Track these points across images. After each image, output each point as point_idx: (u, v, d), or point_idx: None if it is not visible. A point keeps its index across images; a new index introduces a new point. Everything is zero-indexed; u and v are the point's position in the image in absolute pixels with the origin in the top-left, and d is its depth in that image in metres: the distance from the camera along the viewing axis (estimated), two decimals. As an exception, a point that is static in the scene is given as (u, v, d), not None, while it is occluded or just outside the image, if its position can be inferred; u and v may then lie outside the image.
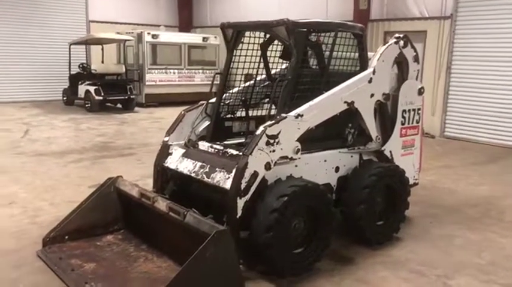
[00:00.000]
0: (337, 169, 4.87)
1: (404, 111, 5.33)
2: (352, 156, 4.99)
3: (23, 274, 4.12)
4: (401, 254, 4.73)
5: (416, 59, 5.38)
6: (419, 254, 4.73)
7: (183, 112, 5.06)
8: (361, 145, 5.07)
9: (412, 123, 5.46)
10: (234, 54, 5.10)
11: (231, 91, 5.23)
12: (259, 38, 5.10)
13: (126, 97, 15.06)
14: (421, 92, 5.47)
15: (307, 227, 4.25)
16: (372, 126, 5.03)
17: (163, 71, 16.35)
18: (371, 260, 4.56)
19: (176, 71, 16.66)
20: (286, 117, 4.19)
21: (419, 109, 5.51)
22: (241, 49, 5.10)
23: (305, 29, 4.55)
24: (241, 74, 5.22)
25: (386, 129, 5.23)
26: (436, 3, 11.72)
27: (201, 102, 5.16)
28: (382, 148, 5.18)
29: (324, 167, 4.76)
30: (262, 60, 5.24)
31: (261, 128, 4.10)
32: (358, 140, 5.07)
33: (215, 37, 16.64)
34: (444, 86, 11.74)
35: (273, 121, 4.15)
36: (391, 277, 4.25)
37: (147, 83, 16.00)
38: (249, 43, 5.09)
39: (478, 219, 5.88)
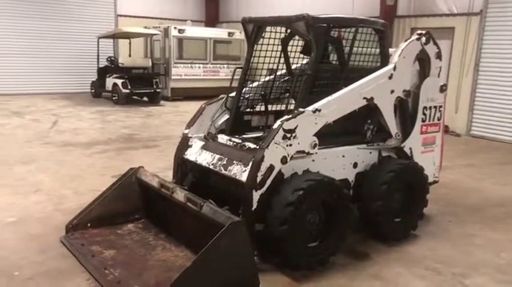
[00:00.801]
0: (355, 165, 4.87)
1: (425, 108, 5.29)
2: (370, 152, 4.98)
3: (48, 258, 4.29)
4: (417, 251, 4.71)
5: (438, 55, 5.31)
6: (436, 252, 4.70)
7: (203, 105, 5.15)
8: (380, 141, 5.06)
9: (433, 120, 5.41)
10: (255, 49, 5.14)
11: (251, 85, 5.28)
12: (281, 33, 5.14)
13: (152, 91, 15.30)
14: (443, 89, 5.41)
15: (322, 222, 4.28)
16: (391, 122, 5.00)
17: (189, 65, 16.52)
18: (387, 256, 4.56)
19: (201, 65, 16.81)
20: (303, 111, 4.22)
21: (440, 106, 5.46)
22: (262, 44, 5.15)
23: (325, 24, 4.56)
24: (262, 69, 5.26)
25: (407, 126, 5.19)
26: (465, -1, 11.49)
27: (221, 96, 5.23)
28: (402, 145, 5.15)
29: (342, 163, 4.77)
30: (282, 55, 5.27)
31: (278, 122, 4.14)
32: (377, 137, 5.05)
33: (240, 32, 16.70)
34: (472, 84, 11.51)
35: (291, 115, 4.19)
36: (406, 273, 4.25)
37: (172, 77, 16.20)
38: (269, 38, 5.12)
39: (501, 219, 5.78)
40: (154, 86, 15.28)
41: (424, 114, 5.31)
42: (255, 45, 5.13)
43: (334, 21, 4.79)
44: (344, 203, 4.32)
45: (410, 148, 5.23)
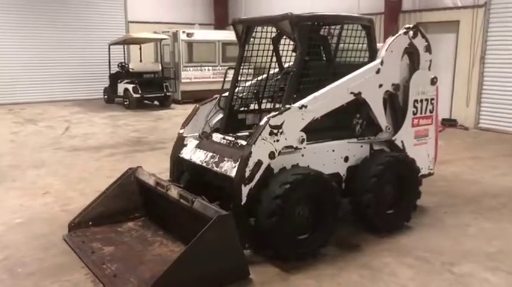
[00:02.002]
0: (346, 159, 4.97)
1: (416, 101, 5.36)
2: (362, 146, 5.08)
3: (50, 255, 4.51)
4: (409, 241, 4.80)
5: (427, 49, 5.37)
6: (427, 242, 4.78)
7: (197, 106, 5.32)
8: (371, 135, 5.15)
9: (425, 113, 5.48)
10: (246, 49, 5.29)
11: (243, 85, 5.43)
12: (272, 32, 5.28)
13: (163, 94, 15.56)
14: (433, 82, 5.47)
15: (311, 214, 4.40)
16: (381, 116, 5.10)
17: (198, 68, 16.76)
18: (377, 247, 4.65)
19: (211, 68, 17.02)
20: (290, 108, 4.36)
21: (432, 99, 5.52)
22: (253, 43, 5.30)
23: (309, 22, 4.69)
24: (254, 68, 5.41)
25: (397, 120, 5.28)
26: (468, -8, 11.45)
27: (215, 96, 5.40)
28: (393, 138, 5.24)
29: (333, 157, 4.88)
30: (274, 54, 5.41)
31: (265, 119, 4.29)
32: (368, 130, 5.15)
33: (248, 33, 16.83)
34: (478, 77, 11.46)
35: (277, 112, 4.33)
36: (395, 263, 4.34)
37: (182, 81, 16.45)
38: (260, 38, 5.27)
39: (496, 209, 5.82)
40: (165, 90, 15.55)
41: (415, 107, 5.38)
42: (246, 45, 5.29)
43: (318, 19, 4.92)
44: (332, 196, 4.44)
45: (402, 141, 5.31)
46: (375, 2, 13.64)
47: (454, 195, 6.33)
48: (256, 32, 5.27)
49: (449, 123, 11.75)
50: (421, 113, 5.43)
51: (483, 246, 4.71)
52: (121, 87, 15.65)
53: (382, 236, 4.88)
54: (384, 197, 4.88)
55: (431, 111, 5.54)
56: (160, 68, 16.13)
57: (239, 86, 5.42)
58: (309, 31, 4.68)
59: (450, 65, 12.06)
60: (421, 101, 5.41)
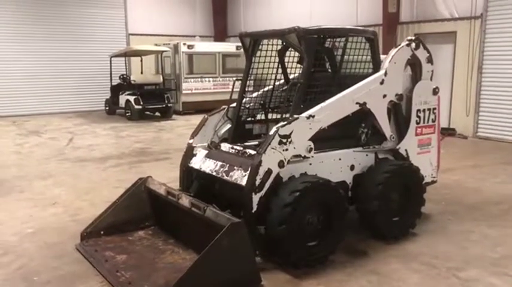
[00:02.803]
0: (352, 167, 5.10)
1: (419, 110, 5.50)
2: (367, 155, 5.21)
3: (63, 263, 4.59)
4: (415, 248, 4.90)
5: (429, 60, 5.53)
6: (433, 248, 4.89)
7: (206, 116, 5.45)
8: (376, 144, 5.28)
9: (428, 122, 5.61)
10: (253, 61, 5.44)
11: (251, 96, 5.56)
12: (277, 45, 5.43)
13: (164, 106, 15.71)
14: (435, 91, 5.61)
15: (320, 222, 4.50)
16: (385, 125, 5.23)
17: (199, 79, 16.94)
18: (384, 254, 4.76)
19: (211, 79, 17.20)
20: (298, 118, 4.48)
21: (434, 109, 5.66)
22: (259, 56, 5.45)
23: (315, 35, 4.84)
24: (261, 79, 5.55)
25: (401, 129, 5.41)
26: (465, 3, 11.67)
27: (223, 106, 5.53)
28: (397, 147, 5.37)
29: (339, 166, 5.00)
30: (280, 66, 5.56)
31: (274, 128, 4.41)
32: (373, 139, 5.28)
33: (248, 45, 17.04)
34: (476, 86, 11.65)
35: (286, 122, 4.45)
36: (402, 268, 4.44)
37: (183, 92, 16.62)
38: (266, 50, 5.42)
39: (499, 216, 5.94)
40: (166, 101, 15.70)
41: (418, 116, 5.52)
42: (253, 58, 5.43)
43: (324, 32, 5.07)
44: (340, 204, 4.55)
45: (406, 150, 5.44)
46: (374, 13, 13.88)
47: (456, 202, 6.45)
48: (262, 44, 5.42)
49: (448, 132, 11.88)
50: (424, 123, 5.57)
51: (487, 252, 4.82)
52: (122, 98, 15.79)
53: (389, 242, 4.98)
54: (389, 204, 4.99)
55: (433, 121, 5.68)
56: (161, 79, 16.31)
57: (246, 97, 5.55)
58: (316, 44, 4.83)
59: (448, 75, 12.26)
60: (424, 110, 5.55)
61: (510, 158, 9.41)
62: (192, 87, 16.79)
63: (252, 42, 5.35)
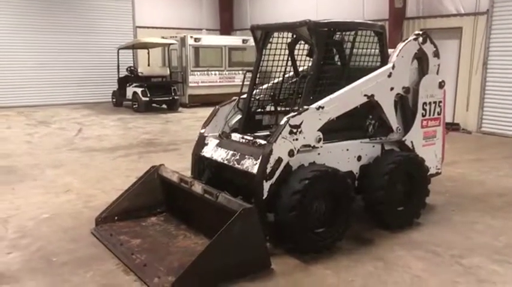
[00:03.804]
0: (359, 158, 5.24)
1: (425, 103, 5.63)
2: (374, 146, 5.35)
3: (79, 246, 4.77)
4: (419, 236, 5.05)
5: (436, 54, 5.65)
6: (437, 237, 5.03)
7: (217, 107, 5.59)
8: (383, 136, 5.42)
9: (433, 115, 5.74)
10: (264, 53, 5.58)
11: (261, 87, 5.70)
12: (287, 38, 5.56)
13: (171, 98, 15.86)
14: (441, 85, 5.74)
15: (328, 209, 4.65)
16: (392, 117, 5.36)
17: (205, 72, 17.06)
18: (390, 242, 4.91)
19: (217, 72, 17.33)
20: (308, 109, 4.62)
21: (440, 102, 5.79)
22: (270, 48, 5.58)
23: (326, 29, 4.98)
24: (271, 72, 5.68)
25: (408, 121, 5.54)
26: (471, -1, 11.76)
27: (234, 97, 5.67)
28: (403, 139, 5.50)
29: (347, 156, 5.14)
30: (290, 59, 5.69)
31: (285, 118, 4.56)
32: (380, 131, 5.42)
33: (254, 39, 17.14)
34: (481, 82, 11.75)
35: (296, 113, 4.60)
36: (407, 255, 4.59)
37: (190, 85, 16.75)
38: (277, 43, 5.55)
39: (502, 208, 6.07)
40: (173, 94, 15.85)
41: (424, 109, 5.65)
42: (264, 50, 5.57)
43: (334, 26, 5.20)
44: (347, 192, 4.70)
45: (411, 142, 5.57)
46: (380, 8, 13.96)
47: (461, 194, 6.59)
48: (273, 37, 5.55)
49: (452, 127, 12.01)
50: (429, 115, 5.70)
51: (490, 241, 4.96)
52: (130, 90, 15.95)
53: (394, 231, 5.13)
54: (395, 194, 5.13)
55: (439, 114, 5.81)
56: (168, 72, 16.46)
57: (257, 89, 5.68)
58: (326, 37, 4.96)
59: (453, 70, 12.35)
60: (430, 103, 5.68)
61: (513, 153, 9.54)
62: (199, 80, 16.93)
63: (263, 34, 5.48)
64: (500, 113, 11.43)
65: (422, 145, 5.70)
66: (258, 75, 5.65)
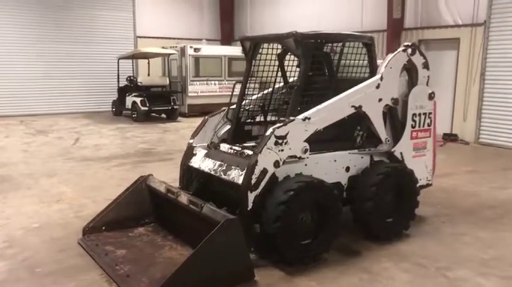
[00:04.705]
0: (347, 169, 5.23)
1: (414, 115, 5.63)
2: (362, 157, 5.34)
3: (66, 256, 4.77)
4: (407, 248, 5.02)
5: (425, 65, 5.65)
6: (425, 249, 5.00)
7: (206, 117, 5.61)
8: (372, 147, 5.41)
9: (423, 126, 5.73)
10: (253, 64, 5.60)
11: (250, 98, 5.72)
12: (277, 49, 5.59)
13: (170, 107, 15.94)
14: (431, 97, 5.74)
15: (314, 221, 4.64)
16: (380, 128, 5.35)
17: (205, 82, 17.14)
18: (377, 253, 4.88)
19: (217, 82, 17.40)
20: (294, 119, 4.63)
21: (430, 113, 5.78)
22: (259, 59, 5.61)
23: (312, 40, 5.00)
24: (261, 82, 5.71)
25: (397, 132, 5.54)
26: (468, 10, 11.78)
27: (223, 108, 5.69)
28: (393, 150, 5.49)
29: (334, 167, 5.14)
30: (280, 69, 5.71)
31: (270, 129, 4.56)
32: (368, 142, 5.41)
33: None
34: (478, 93, 11.74)
35: (282, 123, 4.60)
36: (393, 267, 4.56)
37: (189, 94, 16.82)
38: (266, 54, 5.58)
39: (493, 219, 6.03)
40: (172, 103, 15.92)
41: (414, 120, 5.64)
42: (253, 61, 5.59)
43: (321, 37, 5.22)
44: (334, 203, 4.68)
45: (401, 153, 5.56)
46: (378, 19, 14.00)
47: (452, 206, 6.55)
48: (262, 48, 5.58)
49: (450, 138, 12.00)
50: (419, 127, 5.69)
51: (478, 253, 4.92)
52: (129, 100, 16.03)
53: (382, 243, 5.10)
54: (383, 205, 5.11)
55: (429, 125, 5.79)
56: (167, 82, 16.56)
57: (246, 99, 5.70)
58: (312, 48, 4.98)
59: (451, 81, 12.36)
60: (420, 115, 5.67)
61: (510, 165, 9.48)
62: (198, 90, 17.00)
63: (252, 46, 5.51)
64: (498, 124, 11.39)
65: (412, 156, 5.69)
66: (247, 86, 5.67)
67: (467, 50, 11.90)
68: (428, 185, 5.96)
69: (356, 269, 4.52)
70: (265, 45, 5.59)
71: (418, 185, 5.59)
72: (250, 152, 4.90)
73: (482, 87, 11.66)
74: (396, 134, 5.55)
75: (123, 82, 16.79)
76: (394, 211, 5.24)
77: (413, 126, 5.65)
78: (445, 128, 12.35)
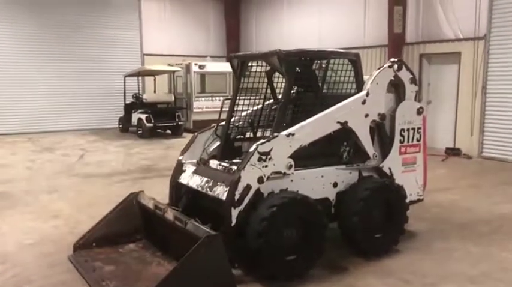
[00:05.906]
0: (335, 185, 5.24)
1: (402, 130, 5.63)
2: (350, 172, 5.35)
3: (55, 273, 4.84)
4: (394, 264, 5.00)
5: (413, 81, 5.68)
6: (413, 265, 4.97)
7: (196, 134, 5.70)
8: (360, 162, 5.43)
9: (412, 141, 5.73)
10: (242, 81, 5.69)
11: (240, 114, 5.79)
12: (266, 66, 5.67)
13: (175, 124, 16.10)
14: (420, 111, 5.75)
15: (299, 236, 4.65)
16: (368, 144, 5.37)
17: (210, 98, 17.29)
18: (363, 269, 4.86)
19: (222, 98, 17.47)
20: (277, 136, 4.68)
21: (419, 128, 5.78)
22: (249, 76, 5.70)
23: (296, 58, 5.07)
24: (250, 99, 5.79)
25: (385, 147, 5.55)
26: (469, 24, 11.78)
27: (213, 125, 5.77)
28: (381, 165, 5.50)
29: (322, 183, 5.16)
30: (269, 86, 5.79)
31: (254, 145, 4.62)
32: (357, 157, 5.43)
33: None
34: (480, 106, 11.68)
35: (266, 140, 4.66)
36: (378, 283, 4.55)
37: (194, 110, 16.98)
38: (255, 71, 5.67)
39: (486, 235, 5.98)
40: (177, 120, 16.09)
41: (402, 135, 5.65)
42: (242, 78, 5.68)
43: (305, 55, 5.30)
44: (318, 219, 4.69)
45: (389, 168, 5.55)
46: (380, 34, 14.05)
47: (446, 221, 6.51)
48: (251, 65, 5.68)
49: (453, 152, 11.91)
50: (408, 142, 5.69)
51: (467, 269, 4.88)
52: (135, 117, 16.24)
53: (370, 259, 5.08)
54: (371, 221, 5.10)
55: (418, 140, 5.79)
56: (173, 98, 16.75)
57: (235, 116, 5.78)
58: (296, 65, 5.05)
59: (453, 94, 12.33)
60: (408, 130, 5.68)
61: (511, 179, 9.39)
62: (203, 106, 17.15)
63: (239, 63, 5.61)
64: (501, 138, 11.30)
65: (402, 171, 5.68)
66: (236, 103, 5.75)
67: (469, 64, 11.87)
68: (419, 200, 5.93)
69: (340, 286, 4.51)
70: (255, 62, 5.68)
71: (408, 200, 5.59)
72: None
73: (484, 100, 11.60)
74: (384, 150, 5.55)
75: (130, 99, 17.03)
76: (383, 226, 5.22)
77: (401, 142, 5.65)
78: (448, 142, 12.29)
